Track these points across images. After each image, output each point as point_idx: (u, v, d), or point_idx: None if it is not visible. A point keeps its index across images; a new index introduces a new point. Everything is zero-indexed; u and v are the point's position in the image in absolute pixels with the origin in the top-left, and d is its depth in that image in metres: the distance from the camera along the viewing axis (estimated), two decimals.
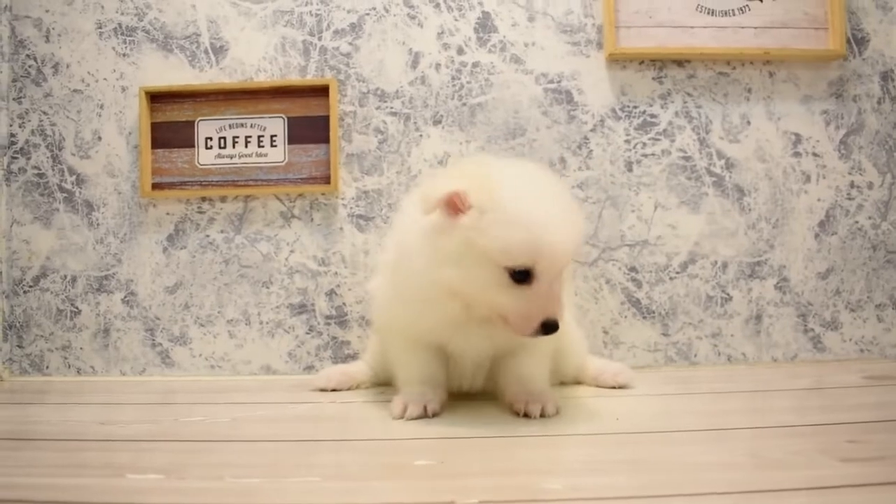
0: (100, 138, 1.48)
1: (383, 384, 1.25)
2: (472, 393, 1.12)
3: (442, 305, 0.95)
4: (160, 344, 1.47)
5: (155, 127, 1.46)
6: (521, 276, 0.89)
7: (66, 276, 1.48)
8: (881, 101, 1.49)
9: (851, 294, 1.48)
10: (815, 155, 1.48)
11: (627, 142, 1.47)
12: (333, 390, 1.24)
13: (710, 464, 0.76)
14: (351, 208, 1.46)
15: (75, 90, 1.48)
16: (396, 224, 1.09)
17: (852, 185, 1.49)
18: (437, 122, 1.46)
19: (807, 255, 1.48)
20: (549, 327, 0.90)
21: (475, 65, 1.46)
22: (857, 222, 1.48)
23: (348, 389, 1.25)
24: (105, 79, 1.48)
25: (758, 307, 1.47)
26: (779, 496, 0.65)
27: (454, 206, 0.89)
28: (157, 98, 1.46)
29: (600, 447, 0.86)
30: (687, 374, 1.39)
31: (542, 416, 0.97)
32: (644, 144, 1.47)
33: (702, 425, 0.94)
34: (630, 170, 1.46)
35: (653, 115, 1.47)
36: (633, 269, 1.46)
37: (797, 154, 1.48)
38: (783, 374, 1.35)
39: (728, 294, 1.47)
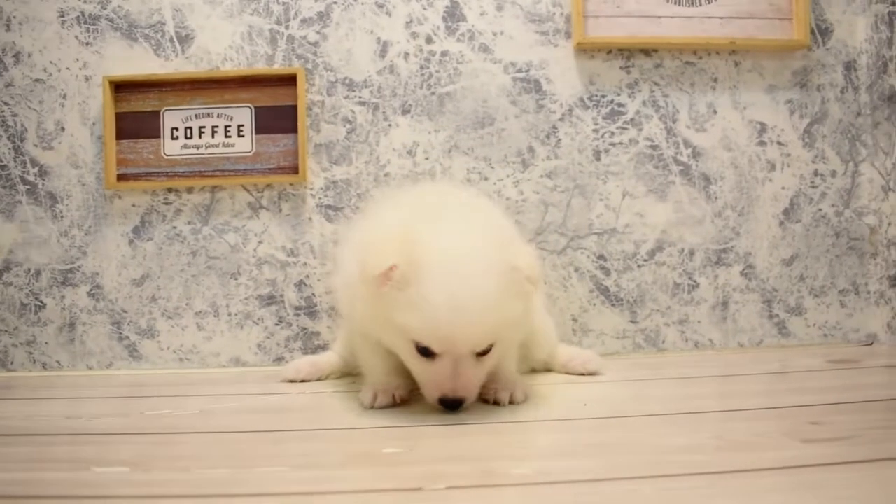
0: (63, 129, 1.45)
1: (353, 374, 1.25)
2: None
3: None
4: (127, 337, 1.45)
5: (119, 117, 1.44)
6: (425, 352, 0.90)
7: (29, 270, 1.45)
8: (844, 91, 1.51)
9: (815, 280, 1.51)
10: (779, 144, 1.50)
11: (595, 131, 1.47)
12: (303, 381, 1.24)
13: (676, 446, 0.77)
14: (320, 198, 1.45)
15: (37, 80, 1.45)
16: (359, 231, 1.07)
17: (816, 173, 1.51)
18: (405, 112, 1.46)
19: (772, 242, 1.50)
20: (446, 404, 0.91)
21: (444, 54, 1.46)
22: (820, 210, 1.51)
23: (318, 380, 1.25)
24: (68, 68, 1.45)
25: (724, 294, 1.49)
26: (743, 476, 0.65)
27: (384, 279, 0.89)
28: (121, 88, 1.44)
29: (569, 432, 0.87)
30: (655, 360, 1.40)
31: (512, 402, 0.98)
32: (612, 133, 1.48)
33: (669, 409, 0.95)
34: (598, 159, 1.47)
35: (620, 105, 1.48)
36: (601, 257, 1.47)
37: (762, 143, 1.50)
38: (749, 359, 1.37)
39: (695, 281, 1.48)
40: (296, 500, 0.64)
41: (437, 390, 0.91)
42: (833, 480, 0.64)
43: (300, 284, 1.45)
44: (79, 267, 1.45)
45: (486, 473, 0.68)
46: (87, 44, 1.45)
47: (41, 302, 1.45)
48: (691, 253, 1.48)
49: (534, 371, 1.24)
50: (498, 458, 0.75)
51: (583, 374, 1.22)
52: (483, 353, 0.91)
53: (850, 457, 0.70)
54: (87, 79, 1.45)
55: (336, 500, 0.63)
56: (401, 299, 0.87)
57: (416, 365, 0.92)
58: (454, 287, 0.86)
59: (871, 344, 1.49)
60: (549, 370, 1.26)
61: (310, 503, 0.63)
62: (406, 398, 1.01)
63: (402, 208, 1.04)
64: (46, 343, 1.46)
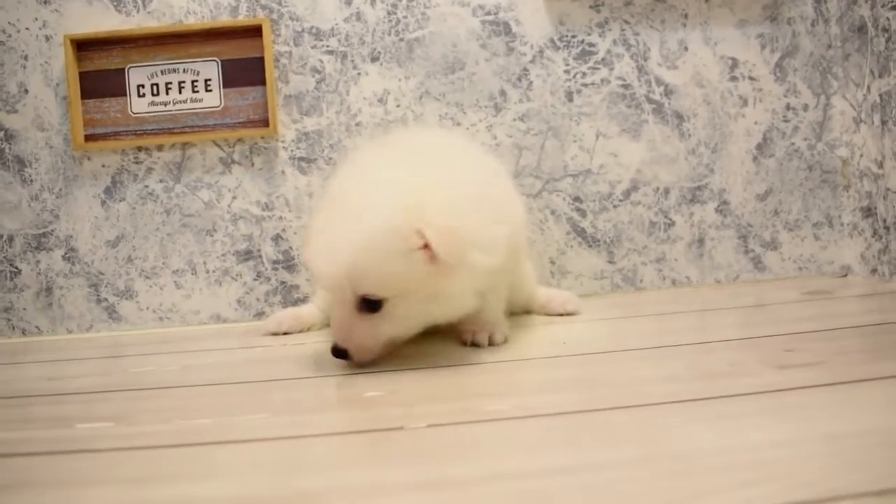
0: (26, 91, 1.42)
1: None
2: (442, 328, 1.06)
3: None
4: (105, 299, 1.45)
5: (83, 76, 1.41)
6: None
7: (2, 236, 1.44)
8: (815, 24, 1.51)
9: (789, 214, 1.52)
10: (751, 79, 1.50)
11: (567, 72, 1.47)
12: (285, 333, 1.24)
13: (653, 378, 0.78)
14: (292, 151, 1.44)
15: None
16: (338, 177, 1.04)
17: (788, 107, 1.51)
18: (374, 60, 1.44)
19: (745, 177, 1.51)
20: (333, 351, 0.90)
21: None
22: (793, 144, 1.52)
23: (300, 332, 1.25)
24: (27, 28, 1.42)
25: (700, 231, 1.50)
26: (718, 402, 0.67)
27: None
28: (83, 46, 1.41)
29: (548, 369, 0.88)
30: (633, 298, 1.42)
31: (491, 344, 0.99)
32: (583, 74, 1.47)
33: (647, 344, 0.97)
34: (570, 100, 1.47)
35: (591, 45, 1.47)
36: (577, 198, 1.47)
37: (734, 78, 1.50)
38: (726, 294, 1.39)
39: (671, 219, 1.49)
40: (279, 444, 0.64)
41: (332, 334, 0.92)
42: (806, 402, 0.66)
43: (277, 238, 1.45)
44: (52, 231, 1.44)
45: (464, 411, 0.69)
46: (46, 2, 1.41)
47: (16, 268, 1.44)
48: (666, 191, 1.49)
49: (513, 314, 1.25)
50: (477, 396, 0.76)
51: (561, 315, 1.24)
52: (370, 309, 0.87)
53: (823, 380, 0.72)
54: (47, 38, 1.42)
55: (319, 442, 0.64)
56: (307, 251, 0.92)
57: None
58: (327, 231, 0.88)
59: (846, 275, 1.51)
60: (528, 312, 1.27)
61: (293, 446, 0.64)
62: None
63: (365, 162, 1.02)
64: (24, 309, 1.45)
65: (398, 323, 0.90)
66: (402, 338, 0.93)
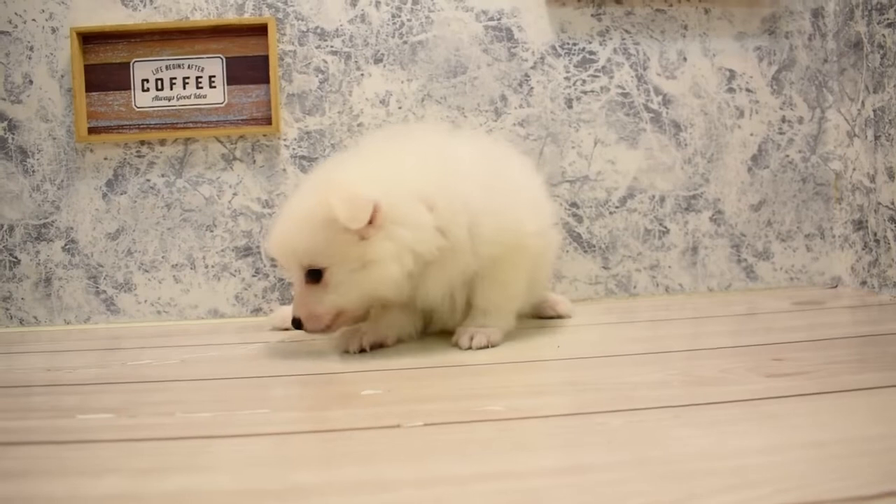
0: (31, 82, 1.43)
1: None
2: (449, 329, 1.11)
3: None
4: (104, 291, 1.46)
5: (88, 69, 1.42)
6: None
7: (2, 226, 1.45)
8: (812, 38, 1.53)
9: (782, 225, 1.54)
10: (748, 90, 1.52)
11: (567, 79, 1.48)
12: (287, 329, 1.25)
13: (645, 383, 0.80)
14: (293, 149, 1.45)
15: (2, 32, 1.42)
16: None
17: (783, 119, 1.53)
18: (378, 61, 1.46)
19: (740, 188, 1.53)
20: (293, 322, 1.02)
21: (415, 2, 1.45)
22: (787, 156, 1.53)
23: None
24: (34, 20, 1.43)
25: (694, 239, 1.52)
26: (707, 408, 0.69)
27: None
28: (89, 39, 1.42)
29: (542, 372, 0.90)
30: (627, 304, 1.44)
31: (487, 346, 1.01)
32: (583, 81, 1.49)
33: (639, 350, 0.99)
34: (570, 106, 1.48)
35: (592, 53, 1.49)
36: (574, 204, 1.49)
37: (731, 90, 1.52)
38: (718, 302, 1.41)
39: (665, 227, 1.51)
40: (277, 439, 0.66)
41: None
42: (793, 410, 0.67)
43: None
44: (52, 222, 1.45)
45: (461, 411, 0.71)
46: None
47: (16, 258, 1.45)
48: (662, 199, 1.51)
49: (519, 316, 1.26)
50: (472, 397, 0.78)
51: (552, 317, 1.25)
52: (314, 279, 0.98)
53: (810, 389, 0.74)
54: (53, 30, 1.43)
55: (317, 438, 0.65)
56: None
57: None
58: (280, 213, 1.04)
59: (836, 286, 1.53)
60: (520, 315, 1.28)
61: (291, 442, 0.65)
62: (376, 343, 1.04)
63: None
64: (23, 299, 1.46)
65: (340, 291, 0.99)
66: (349, 309, 1.02)
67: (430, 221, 0.97)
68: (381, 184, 0.97)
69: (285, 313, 1.28)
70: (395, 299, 1.03)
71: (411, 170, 1.00)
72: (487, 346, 1.01)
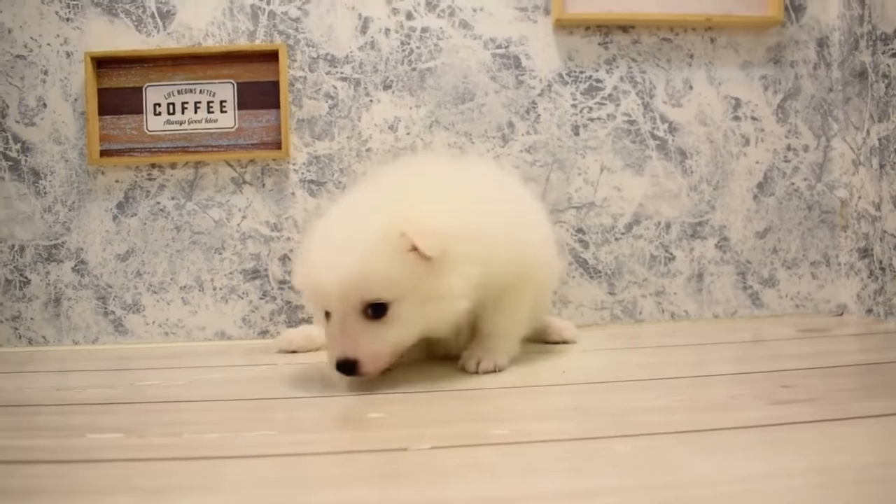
0: (45, 105, 1.45)
1: None
2: (453, 354, 1.12)
3: None
4: (113, 312, 1.47)
5: (102, 93, 1.44)
6: (326, 315, 0.95)
7: (13, 246, 1.46)
8: (817, 67, 1.54)
9: (788, 252, 1.54)
10: (753, 119, 1.53)
11: (574, 106, 1.50)
12: (294, 352, 1.27)
13: (651, 409, 0.80)
14: (302, 173, 1.47)
15: (18, 56, 1.45)
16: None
17: (789, 147, 1.54)
18: (387, 87, 1.47)
19: (746, 215, 1.53)
20: (339, 366, 0.91)
21: (424, 30, 1.48)
22: (793, 184, 1.54)
23: (309, 351, 1.28)
24: (49, 44, 1.45)
25: (699, 266, 1.52)
26: (713, 434, 0.69)
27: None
28: (103, 64, 1.44)
29: (547, 397, 0.90)
30: (632, 330, 1.44)
31: (479, 371, 1.02)
32: (590, 109, 1.50)
33: (645, 375, 0.99)
34: (577, 133, 1.50)
35: (598, 80, 1.50)
36: (580, 230, 1.50)
37: (737, 118, 1.53)
38: (723, 329, 1.41)
39: (671, 254, 1.52)
40: (285, 460, 0.66)
41: (332, 352, 0.92)
42: (799, 437, 0.68)
43: (284, 258, 1.47)
44: (63, 243, 1.46)
45: (467, 434, 0.71)
46: (68, 19, 1.45)
47: (26, 278, 1.46)
48: (667, 226, 1.52)
49: (534, 341, 1.27)
50: (479, 421, 0.78)
51: (557, 343, 1.26)
52: (376, 315, 0.91)
53: (816, 416, 0.74)
54: (68, 55, 1.45)
55: (324, 460, 0.66)
56: (297, 271, 0.97)
57: (324, 331, 0.97)
58: (325, 244, 0.93)
59: (842, 314, 1.54)
60: (523, 339, 1.29)
61: (298, 463, 0.66)
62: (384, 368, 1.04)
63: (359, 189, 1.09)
64: (32, 318, 1.47)
65: (402, 326, 0.93)
66: (404, 345, 0.96)
67: (484, 256, 0.96)
68: (448, 219, 0.94)
69: (292, 336, 1.29)
70: (447, 334, 1.03)
71: (465, 205, 0.99)
72: (494, 371, 1.02)
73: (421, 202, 0.96)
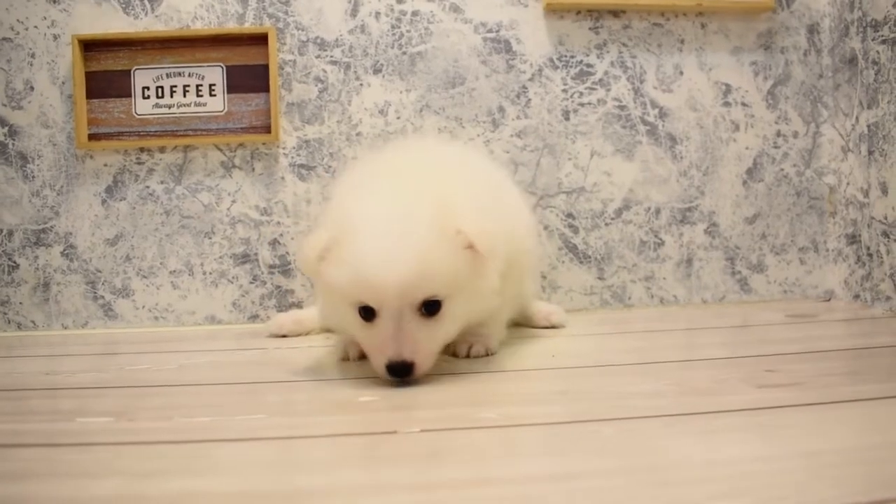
0: (32, 88, 1.44)
1: (333, 331, 1.27)
2: None
3: None
4: (102, 297, 1.46)
5: (90, 76, 1.43)
6: (366, 314, 0.88)
7: (1, 230, 1.45)
8: (807, 53, 1.55)
9: (776, 238, 1.55)
10: (743, 105, 1.54)
11: (564, 91, 1.50)
12: (284, 336, 1.27)
13: (638, 393, 0.81)
14: (292, 157, 1.46)
15: (5, 38, 1.43)
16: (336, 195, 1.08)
17: (778, 133, 1.55)
18: (377, 71, 1.47)
19: (735, 201, 1.54)
20: (394, 370, 0.86)
21: (415, 13, 1.47)
22: (782, 170, 1.55)
23: (299, 335, 1.28)
24: (35, 27, 1.44)
25: (688, 251, 1.53)
26: (700, 417, 0.70)
27: (320, 258, 0.90)
28: (90, 46, 1.43)
29: (536, 381, 0.91)
30: (621, 315, 1.45)
31: (471, 356, 1.02)
32: (581, 94, 1.50)
33: (633, 360, 1.00)
34: (567, 118, 1.50)
35: (589, 65, 1.50)
36: (569, 215, 1.50)
37: (727, 104, 1.53)
38: (712, 314, 1.42)
39: (660, 239, 1.52)
40: (275, 444, 0.67)
41: (383, 354, 0.86)
42: (785, 421, 0.68)
43: (274, 243, 1.47)
44: (51, 227, 1.45)
45: (456, 418, 0.72)
46: (55, 2, 1.43)
47: (14, 262, 1.46)
48: (657, 211, 1.52)
49: (516, 325, 1.27)
50: (468, 404, 0.79)
51: (546, 327, 1.26)
52: (430, 313, 0.88)
53: (801, 400, 0.75)
54: (55, 37, 1.44)
55: (314, 444, 0.66)
56: (334, 264, 0.88)
57: (361, 332, 0.90)
58: (380, 237, 0.87)
59: (829, 300, 1.55)
60: (516, 324, 1.29)
61: (288, 447, 0.66)
62: None
63: (365, 171, 1.06)
64: (21, 303, 1.46)
65: (451, 324, 0.92)
66: (448, 341, 0.95)
67: (503, 243, 0.96)
68: (490, 216, 0.94)
69: (282, 320, 1.29)
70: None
71: (487, 191, 1.01)
72: (486, 355, 1.02)
73: (461, 198, 0.93)
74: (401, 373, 0.85)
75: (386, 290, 0.85)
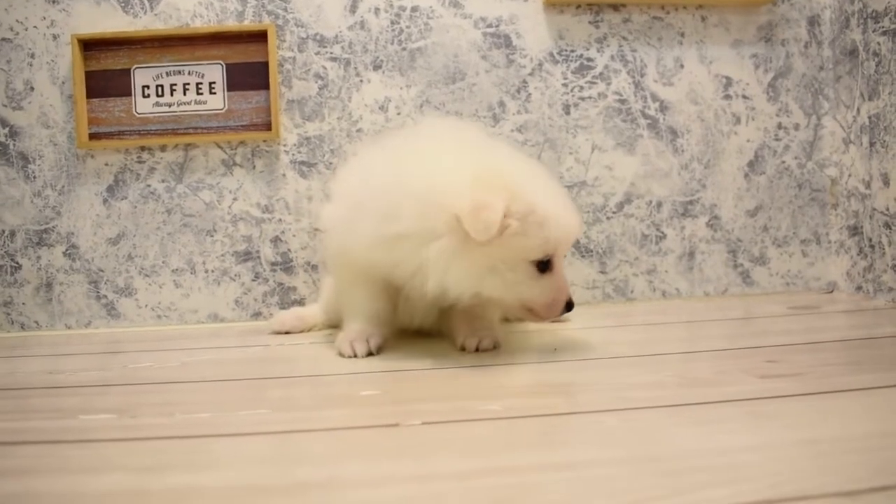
0: (32, 88, 1.44)
1: (335, 327, 1.27)
2: (424, 330, 1.15)
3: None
4: (105, 296, 1.47)
5: (89, 76, 1.44)
6: (545, 266, 0.97)
7: (3, 231, 1.46)
8: (808, 46, 1.54)
9: (778, 231, 1.55)
10: (744, 97, 1.54)
11: (565, 85, 1.50)
12: (287, 333, 1.27)
13: (641, 384, 0.81)
14: (293, 155, 1.47)
15: (4, 39, 1.44)
16: (367, 168, 1.06)
17: (780, 126, 1.54)
18: (377, 68, 1.47)
19: (736, 193, 1.54)
20: (570, 306, 1.01)
21: (414, 9, 1.47)
22: (783, 162, 1.55)
23: (301, 332, 1.28)
24: (35, 27, 1.44)
25: (690, 244, 1.53)
26: (701, 408, 0.70)
27: (502, 228, 0.91)
28: (90, 46, 1.43)
29: (538, 374, 0.90)
30: (624, 309, 1.45)
31: (480, 349, 1.02)
32: (581, 88, 1.50)
33: (635, 352, 1.00)
34: (568, 113, 1.50)
35: (589, 59, 1.50)
36: None
37: (728, 97, 1.53)
38: (714, 306, 1.42)
39: (662, 232, 1.52)
40: (277, 438, 0.67)
41: (563, 295, 0.99)
42: (786, 410, 0.68)
43: (276, 240, 1.47)
44: (53, 227, 1.46)
45: (458, 410, 0.72)
46: (54, 2, 1.44)
47: (17, 263, 1.46)
48: (659, 205, 1.52)
49: (507, 320, 1.27)
50: (470, 397, 0.79)
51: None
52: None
53: (802, 390, 0.75)
54: (54, 37, 1.44)
55: (316, 437, 0.66)
56: (528, 227, 0.93)
57: (534, 287, 0.97)
58: (557, 197, 0.99)
59: (832, 291, 1.54)
60: (518, 318, 1.29)
61: (290, 440, 0.66)
62: (380, 346, 1.04)
63: (428, 158, 1.01)
64: (24, 303, 1.46)
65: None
66: None
67: None
68: None
69: (284, 317, 1.30)
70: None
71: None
72: (494, 349, 1.02)
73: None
74: (572, 307, 1.01)
75: (574, 237, 1.04)
